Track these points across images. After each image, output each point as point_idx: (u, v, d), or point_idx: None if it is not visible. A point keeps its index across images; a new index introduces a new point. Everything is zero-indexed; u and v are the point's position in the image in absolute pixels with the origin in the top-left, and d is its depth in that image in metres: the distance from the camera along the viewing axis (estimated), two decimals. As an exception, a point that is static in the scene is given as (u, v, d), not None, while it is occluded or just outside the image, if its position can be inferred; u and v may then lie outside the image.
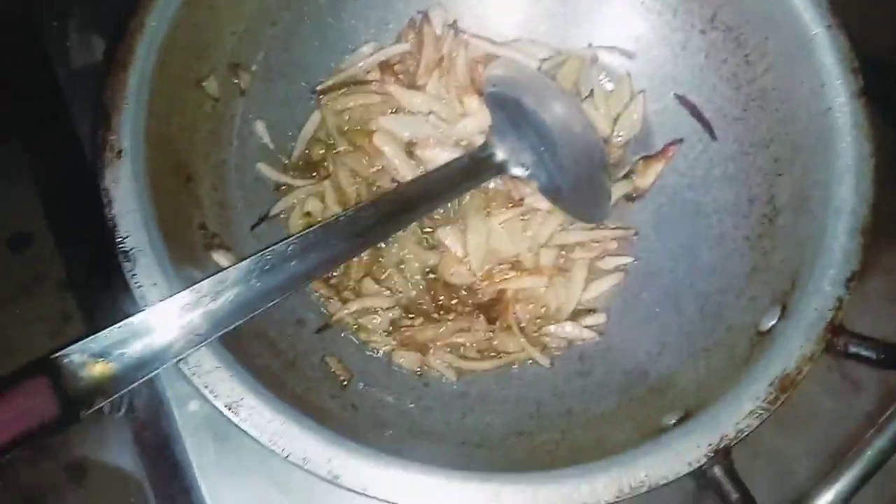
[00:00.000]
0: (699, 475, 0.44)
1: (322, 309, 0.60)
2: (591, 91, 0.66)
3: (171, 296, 0.44)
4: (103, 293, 0.62)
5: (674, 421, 0.47)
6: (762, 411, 0.44)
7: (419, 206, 0.55)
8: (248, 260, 0.46)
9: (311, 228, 0.50)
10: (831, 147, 0.51)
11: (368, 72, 0.65)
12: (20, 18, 0.71)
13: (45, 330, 0.64)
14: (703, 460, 0.43)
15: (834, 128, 0.52)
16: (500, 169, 0.58)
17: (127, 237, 0.45)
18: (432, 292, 0.61)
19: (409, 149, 0.62)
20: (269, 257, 0.47)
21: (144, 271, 0.45)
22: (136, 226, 0.46)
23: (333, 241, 0.50)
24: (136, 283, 0.45)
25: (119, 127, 0.48)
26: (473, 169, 0.56)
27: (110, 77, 0.49)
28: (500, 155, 0.57)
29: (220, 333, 0.44)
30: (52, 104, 0.68)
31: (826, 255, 0.48)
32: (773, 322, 0.49)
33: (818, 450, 0.61)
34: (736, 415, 0.45)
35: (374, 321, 0.59)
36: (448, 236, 0.61)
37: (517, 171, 0.58)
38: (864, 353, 0.46)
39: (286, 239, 0.48)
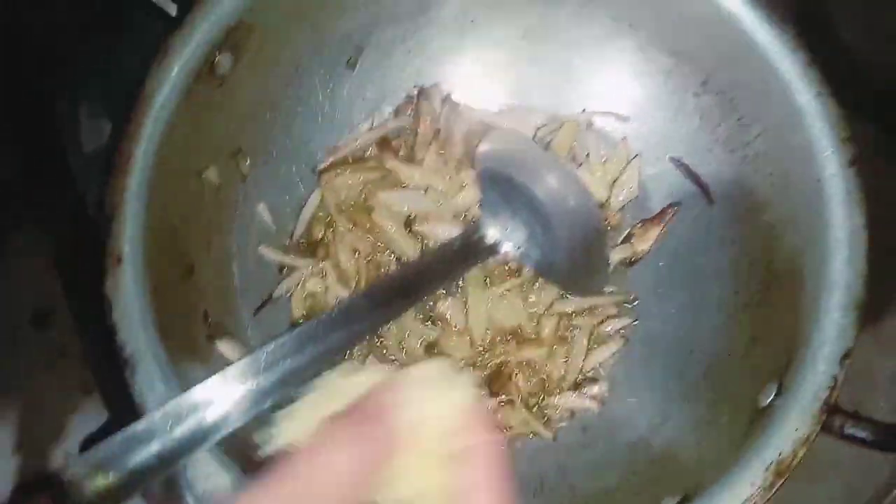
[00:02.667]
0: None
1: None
2: (587, 156, 0.66)
3: (169, 400, 0.45)
4: (121, 372, 0.64)
5: (673, 504, 0.47)
6: (758, 498, 0.44)
7: (418, 290, 0.54)
8: (244, 360, 0.45)
9: (307, 323, 0.48)
10: (824, 217, 0.51)
11: (367, 149, 0.66)
12: (32, 102, 0.73)
13: (67, 402, 0.65)
14: (701, 550, 0.43)
15: (826, 198, 0.51)
16: (492, 251, 0.57)
17: (126, 344, 0.47)
18: (434, 366, 0.61)
19: (409, 224, 0.63)
20: (265, 355, 0.47)
21: (143, 377, 0.46)
22: (136, 331, 0.47)
23: (333, 332, 0.48)
24: (136, 388, 0.46)
25: (119, 232, 0.49)
26: (465, 252, 0.56)
27: (110, 182, 0.50)
28: (490, 236, 0.56)
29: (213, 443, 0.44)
30: (64, 188, 0.70)
31: (820, 331, 0.48)
32: (770, 398, 0.49)
33: (840, 501, 0.60)
34: (733, 501, 0.45)
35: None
36: (449, 309, 0.61)
37: (509, 250, 0.57)
38: (860, 434, 0.46)
39: (277, 337, 0.47)
